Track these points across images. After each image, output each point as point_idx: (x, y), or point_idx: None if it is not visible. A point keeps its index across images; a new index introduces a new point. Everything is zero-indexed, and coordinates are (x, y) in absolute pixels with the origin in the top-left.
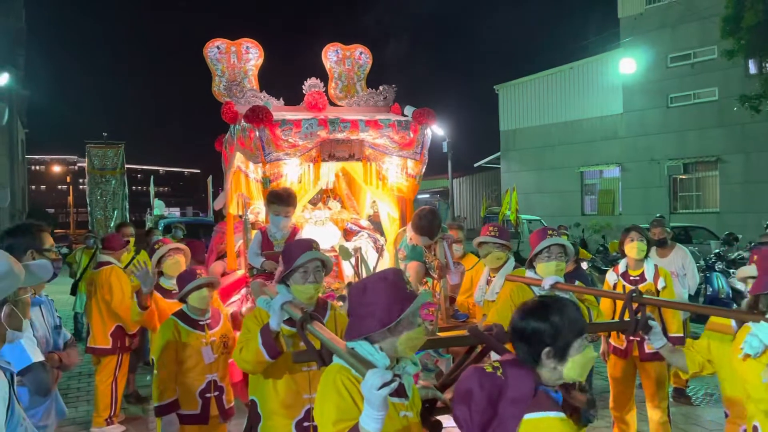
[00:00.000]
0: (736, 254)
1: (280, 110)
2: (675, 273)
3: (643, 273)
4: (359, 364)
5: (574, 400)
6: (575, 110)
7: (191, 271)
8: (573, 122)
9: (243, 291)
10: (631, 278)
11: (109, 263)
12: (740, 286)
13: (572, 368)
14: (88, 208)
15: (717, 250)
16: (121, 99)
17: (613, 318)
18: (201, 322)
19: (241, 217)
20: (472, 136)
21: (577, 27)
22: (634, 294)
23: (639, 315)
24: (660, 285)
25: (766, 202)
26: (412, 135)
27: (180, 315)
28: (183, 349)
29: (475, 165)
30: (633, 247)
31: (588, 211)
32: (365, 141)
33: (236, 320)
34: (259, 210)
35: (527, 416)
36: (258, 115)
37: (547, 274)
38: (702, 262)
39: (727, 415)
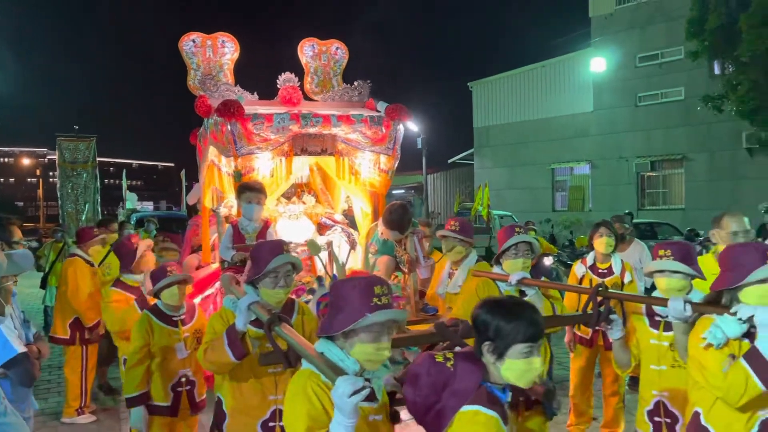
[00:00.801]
0: (698, 250)
1: (253, 104)
2: (633, 267)
3: (610, 266)
4: (329, 370)
5: (531, 392)
6: (547, 108)
7: (162, 268)
8: (545, 120)
9: (217, 284)
10: (599, 271)
11: (74, 255)
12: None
13: (509, 370)
14: (59, 202)
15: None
16: (94, 91)
17: (577, 309)
18: (175, 318)
19: (214, 210)
20: (447, 132)
21: (549, 25)
22: (600, 288)
23: (602, 307)
24: (626, 279)
25: (729, 200)
26: (384, 130)
27: (154, 310)
28: (156, 345)
29: (449, 161)
30: (602, 242)
31: (559, 207)
32: (338, 136)
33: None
34: (232, 204)
35: (463, 408)
36: (230, 109)
37: (514, 270)
38: None
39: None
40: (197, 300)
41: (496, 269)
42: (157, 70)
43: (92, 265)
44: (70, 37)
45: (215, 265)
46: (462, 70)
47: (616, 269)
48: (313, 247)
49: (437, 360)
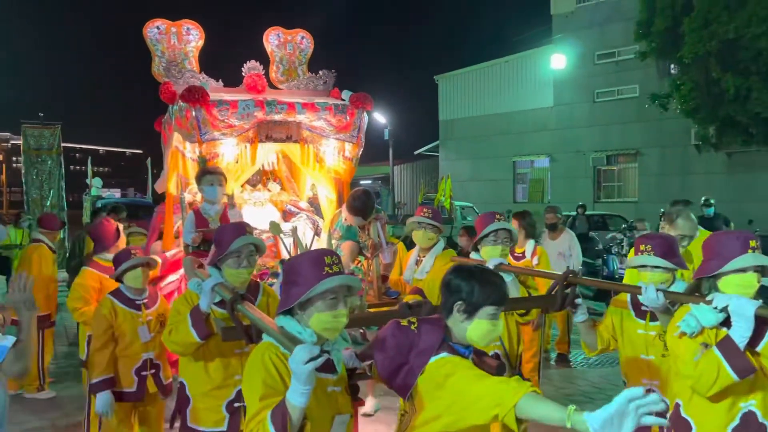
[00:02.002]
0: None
1: (218, 91)
2: (563, 254)
3: (525, 251)
4: (287, 341)
5: (484, 365)
6: (509, 102)
7: (126, 251)
8: (507, 114)
9: (181, 271)
10: (515, 254)
11: (38, 241)
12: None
13: (475, 329)
14: (24, 188)
15: (611, 235)
16: (61, 77)
17: None
18: (138, 302)
19: (180, 197)
20: (413, 124)
21: (513, 22)
22: (570, 275)
23: (568, 290)
24: (535, 261)
25: (678, 193)
26: (348, 118)
27: (116, 294)
28: (119, 328)
29: (416, 152)
30: None
31: (519, 198)
32: (302, 123)
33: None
34: (197, 190)
35: (431, 360)
36: (194, 95)
37: (492, 257)
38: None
39: (625, 384)
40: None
41: (473, 256)
42: (125, 57)
43: (54, 251)
44: (41, 23)
45: (173, 252)
46: (429, 64)
47: (528, 253)
48: (274, 228)
49: (402, 324)
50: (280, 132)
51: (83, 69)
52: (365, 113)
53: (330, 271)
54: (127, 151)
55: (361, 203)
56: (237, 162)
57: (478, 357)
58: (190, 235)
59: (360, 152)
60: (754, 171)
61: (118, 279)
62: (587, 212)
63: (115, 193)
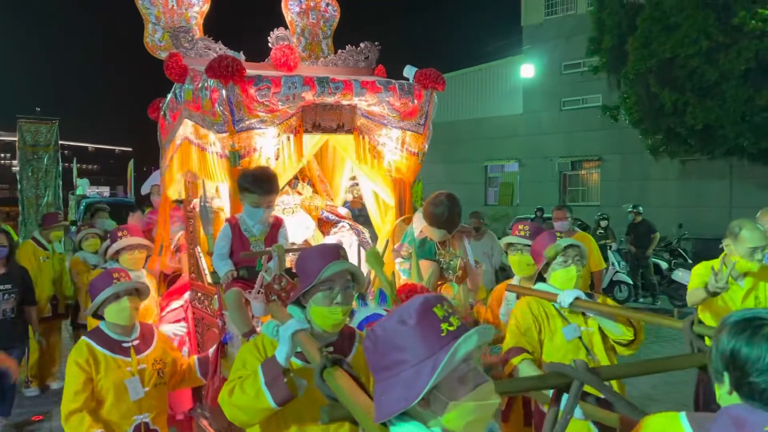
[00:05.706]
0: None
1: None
2: (486, 253)
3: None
4: None
5: None
6: (482, 109)
7: (106, 275)
8: (480, 119)
9: (186, 296)
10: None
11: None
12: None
13: None
14: (19, 186)
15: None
16: (49, 72)
17: None
18: (125, 344)
19: (179, 203)
20: None
21: (486, 32)
22: (692, 321)
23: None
24: None
25: (637, 198)
26: (416, 102)
27: (95, 335)
28: (100, 382)
29: None
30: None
31: (491, 201)
32: (358, 108)
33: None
34: (212, 195)
35: None
36: (227, 67)
37: (567, 283)
38: None
39: None
40: (170, 308)
41: (539, 287)
42: (114, 54)
43: (45, 248)
44: (31, 17)
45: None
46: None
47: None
48: (373, 260)
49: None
50: (331, 119)
51: (69, 64)
52: (435, 95)
53: (450, 329)
54: (117, 148)
55: (446, 211)
56: (278, 158)
57: None
58: (225, 263)
59: (427, 145)
60: (706, 178)
61: (96, 315)
62: (545, 215)
63: (104, 192)
